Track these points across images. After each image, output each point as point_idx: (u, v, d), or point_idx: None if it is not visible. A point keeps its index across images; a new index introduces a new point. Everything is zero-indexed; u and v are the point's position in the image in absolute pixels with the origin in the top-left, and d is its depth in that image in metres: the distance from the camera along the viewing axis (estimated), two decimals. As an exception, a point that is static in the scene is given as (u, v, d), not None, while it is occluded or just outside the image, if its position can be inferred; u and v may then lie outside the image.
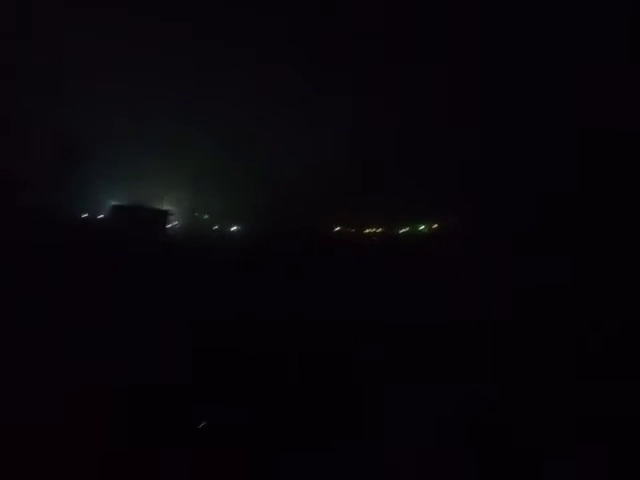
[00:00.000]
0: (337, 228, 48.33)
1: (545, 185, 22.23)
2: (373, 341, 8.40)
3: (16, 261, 12.32)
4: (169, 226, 27.85)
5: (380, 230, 46.80)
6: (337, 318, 10.09)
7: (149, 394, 5.50)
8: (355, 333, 9.00)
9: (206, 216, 33.75)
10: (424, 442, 4.85)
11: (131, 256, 17.28)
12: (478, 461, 4.33)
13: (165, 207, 27.93)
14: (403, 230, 44.72)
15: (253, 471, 4.36)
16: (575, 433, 4.68)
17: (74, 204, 27.73)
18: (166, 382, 5.89)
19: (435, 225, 40.96)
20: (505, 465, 4.34)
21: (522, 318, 9.59)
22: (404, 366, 7.19)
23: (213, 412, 5.17)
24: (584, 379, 5.99)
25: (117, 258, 16.45)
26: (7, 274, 10.54)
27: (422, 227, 42.99)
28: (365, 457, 4.57)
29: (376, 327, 9.41)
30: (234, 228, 35.92)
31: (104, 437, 4.53)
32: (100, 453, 4.30)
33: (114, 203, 27.66)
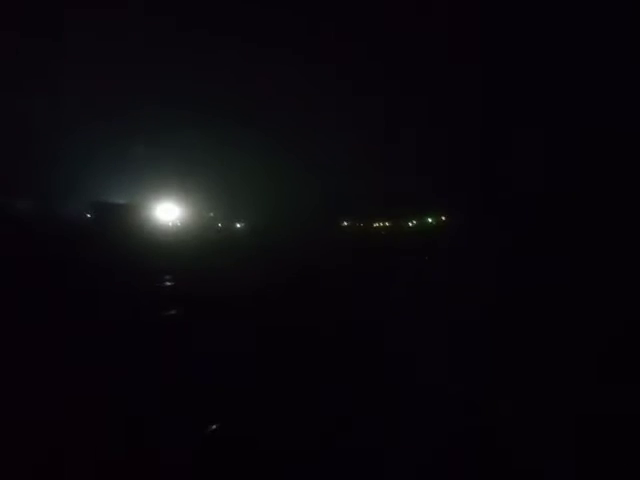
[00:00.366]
0: (345, 223, 48.18)
1: (551, 183, 21.99)
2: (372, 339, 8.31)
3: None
4: (170, 223, 27.73)
5: (388, 224, 46.55)
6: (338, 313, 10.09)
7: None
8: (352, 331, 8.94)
9: (211, 214, 33.95)
10: (424, 443, 4.66)
11: (101, 251, 17.06)
12: (477, 463, 4.36)
13: (138, 203, 27.08)
14: (411, 223, 44.51)
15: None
16: (576, 435, 4.70)
17: (60, 201, 26.86)
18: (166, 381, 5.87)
19: (443, 218, 40.57)
20: (504, 466, 4.35)
21: (522, 318, 9.37)
22: (403, 363, 6.83)
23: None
24: (585, 380, 5.90)
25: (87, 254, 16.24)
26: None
27: (430, 220, 42.73)
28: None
29: (375, 325, 9.32)
30: (239, 225, 36.06)
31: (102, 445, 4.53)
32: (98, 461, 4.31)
33: (93, 200, 26.35)
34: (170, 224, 27.60)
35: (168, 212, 27.59)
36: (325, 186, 44.80)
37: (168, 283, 15.53)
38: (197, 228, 28.57)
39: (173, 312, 10.38)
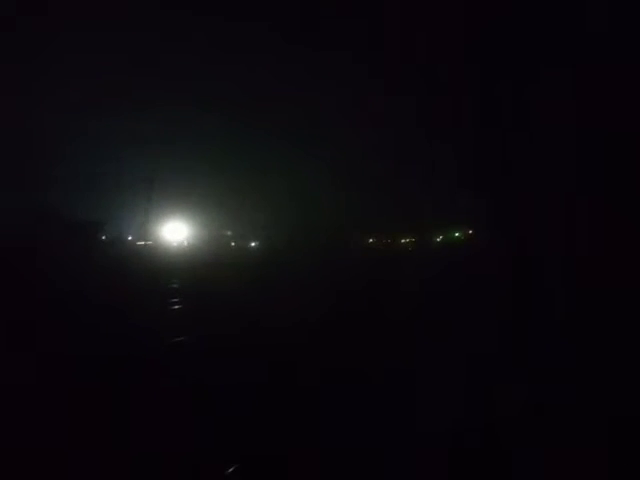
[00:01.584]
0: (370, 240, 46.98)
1: (576, 189, 20.82)
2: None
3: None
4: (177, 243, 27.11)
5: (414, 239, 45.01)
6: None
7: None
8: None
9: (229, 232, 33.38)
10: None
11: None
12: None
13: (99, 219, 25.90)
14: (439, 238, 42.92)
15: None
16: (575, 435, 4.40)
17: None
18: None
19: (471, 231, 38.78)
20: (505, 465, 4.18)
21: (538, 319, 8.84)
22: (425, 367, 6.60)
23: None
24: (586, 380, 5.64)
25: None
26: None
27: (457, 234, 41.01)
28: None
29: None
30: (254, 244, 35.32)
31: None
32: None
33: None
34: (176, 244, 26.99)
35: (176, 232, 27.01)
36: (349, 202, 43.87)
37: (176, 307, 14.92)
38: (207, 247, 27.96)
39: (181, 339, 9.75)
